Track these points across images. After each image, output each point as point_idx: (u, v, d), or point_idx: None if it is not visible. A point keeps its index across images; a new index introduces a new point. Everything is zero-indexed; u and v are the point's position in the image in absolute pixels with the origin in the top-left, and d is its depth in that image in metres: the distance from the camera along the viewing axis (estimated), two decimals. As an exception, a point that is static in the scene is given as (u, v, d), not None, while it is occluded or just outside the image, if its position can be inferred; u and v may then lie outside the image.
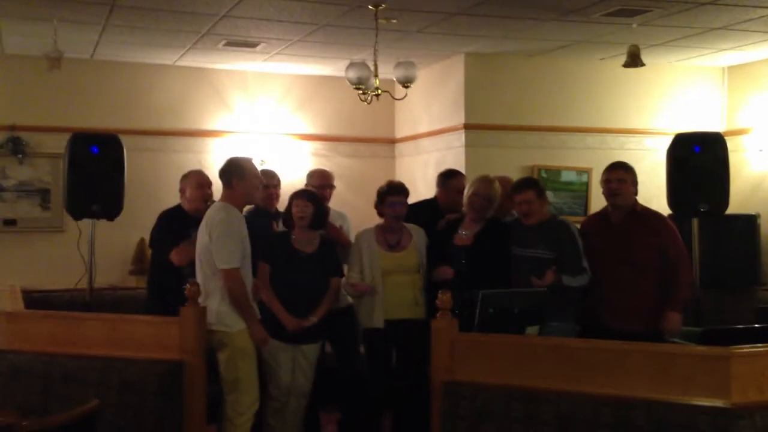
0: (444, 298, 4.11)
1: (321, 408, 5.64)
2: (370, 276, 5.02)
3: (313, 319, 4.92)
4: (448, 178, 5.65)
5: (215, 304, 4.54)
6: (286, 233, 5.01)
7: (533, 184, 5.09)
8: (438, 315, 4.13)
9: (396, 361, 5.07)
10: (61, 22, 6.09)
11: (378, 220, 5.29)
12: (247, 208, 5.13)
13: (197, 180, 5.33)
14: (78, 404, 3.65)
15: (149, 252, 5.86)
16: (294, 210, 4.94)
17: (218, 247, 4.53)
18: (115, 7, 5.85)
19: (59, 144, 6.17)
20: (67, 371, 4.40)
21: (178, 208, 5.39)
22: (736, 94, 7.95)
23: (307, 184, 5.61)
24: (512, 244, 4.93)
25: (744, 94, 7.86)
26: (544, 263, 4.79)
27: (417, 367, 4.80)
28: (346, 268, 5.47)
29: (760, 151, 7.55)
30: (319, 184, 5.54)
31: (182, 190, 5.39)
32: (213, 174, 7.37)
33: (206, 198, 5.23)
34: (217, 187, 5.45)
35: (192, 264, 4.95)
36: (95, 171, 5.71)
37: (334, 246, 5.15)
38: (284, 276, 4.87)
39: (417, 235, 5.14)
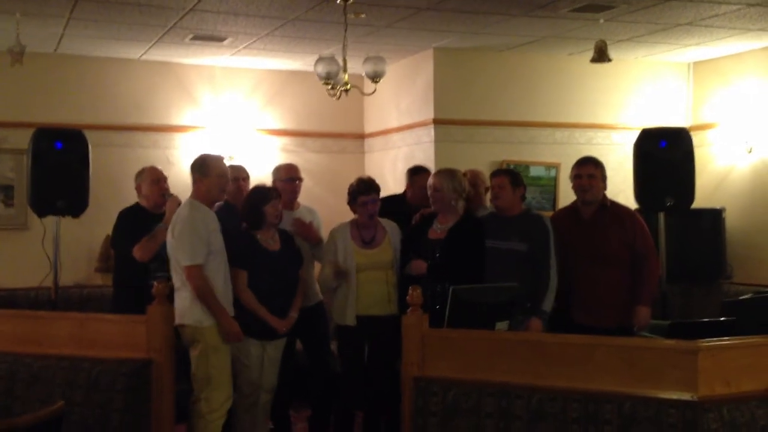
0: (414, 294, 4.11)
1: (291, 406, 5.63)
2: (345, 272, 5.00)
3: (295, 315, 4.94)
4: (413, 175, 5.67)
5: (186, 300, 4.53)
6: (249, 234, 4.90)
7: (509, 172, 5.17)
8: (408, 311, 4.13)
9: (368, 357, 5.05)
10: (24, 16, 5.98)
11: (347, 215, 5.27)
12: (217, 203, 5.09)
13: (151, 176, 5.35)
14: (44, 405, 3.60)
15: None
16: (271, 210, 4.87)
17: (179, 244, 4.55)
18: (79, 1, 5.76)
19: (22, 139, 6.06)
20: (32, 371, 4.34)
21: (136, 206, 5.38)
22: (702, 90, 8.04)
23: (274, 180, 5.57)
24: (487, 237, 4.94)
25: (709, 89, 7.95)
26: (517, 256, 4.81)
27: (389, 364, 4.79)
28: (316, 263, 5.46)
29: (725, 145, 7.64)
30: (287, 178, 5.50)
31: (138, 188, 5.40)
32: (180, 169, 7.36)
33: (162, 192, 5.23)
34: (183, 182, 5.45)
35: (155, 259, 4.96)
36: (59, 167, 5.64)
37: (291, 236, 5.12)
38: (261, 278, 4.83)
39: (391, 230, 5.13)
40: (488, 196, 5.34)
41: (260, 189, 5.01)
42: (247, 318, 4.76)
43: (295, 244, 5.10)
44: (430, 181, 5.04)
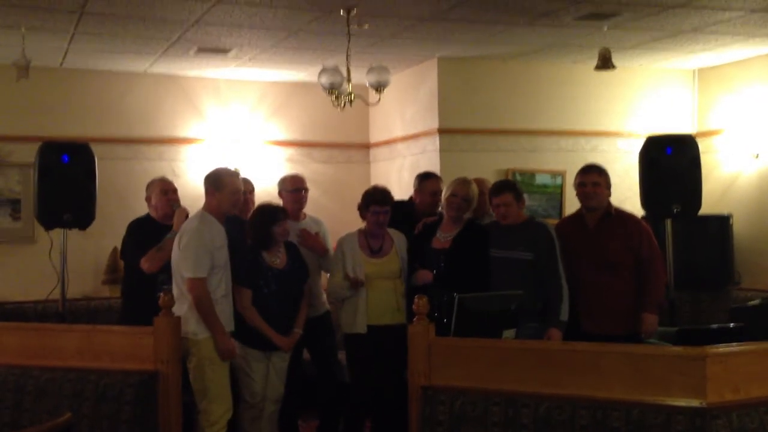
0: (420, 302, 4.10)
1: (300, 416, 5.63)
2: (361, 282, 5.00)
3: (299, 331, 4.95)
4: (423, 180, 5.67)
5: (184, 312, 4.53)
6: (255, 252, 4.90)
7: (511, 186, 5.10)
8: (415, 320, 4.12)
9: (377, 366, 5.04)
10: (29, 30, 6.01)
11: (353, 225, 5.27)
12: None
13: (160, 187, 5.37)
14: (51, 417, 3.60)
15: (122, 261, 5.81)
16: (280, 230, 4.88)
17: (184, 255, 4.56)
18: (84, 15, 5.78)
19: (29, 153, 6.10)
20: (40, 384, 4.34)
21: (146, 217, 5.40)
22: (707, 96, 8.03)
23: (279, 191, 5.58)
24: (491, 246, 4.94)
25: (714, 95, 7.94)
26: (522, 265, 4.81)
27: (398, 373, 4.77)
28: (323, 274, 5.46)
29: (732, 151, 7.62)
30: (293, 188, 5.51)
31: (148, 199, 5.41)
32: (186, 181, 7.39)
33: (171, 203, 5.24)
34: (189, 194, 5.47)
35: (164, 271, 4.96)
36: (66, 180, 5.67)
37: (297, 249, 5.12)
38: (266, 296, 4.83)
39: (398, 240, 5.13)
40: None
41: (268, 209, 4.98)
42: (251, 330, 4.75)
43: (301, 258, 5.09)
44: (460, 190, 5.02)
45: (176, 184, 5.55)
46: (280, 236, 4.90)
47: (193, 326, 4.53)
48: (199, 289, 4.50)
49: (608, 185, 5.09)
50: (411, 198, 5.74)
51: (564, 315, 4.76)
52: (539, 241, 4.87)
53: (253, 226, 4.93)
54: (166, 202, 5.29)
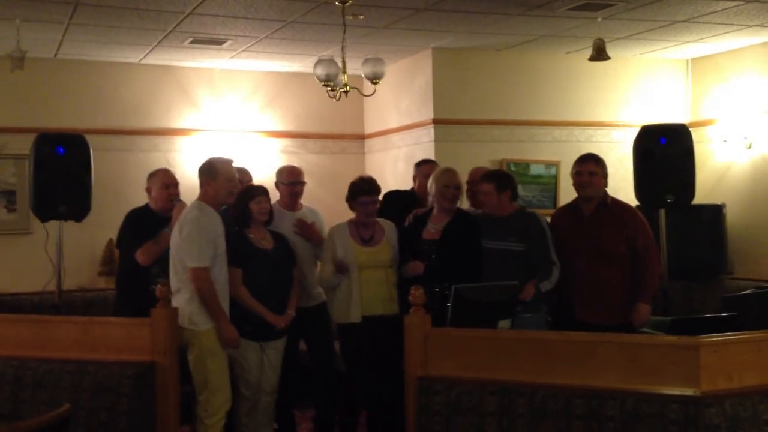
0: (417, 293, 4.12)
1: (296, 406, 5.65)
2: (346, 266, 5.01)
3: (292, 313, 4.95)
4: (420, 165, 5.75)
5: (184, 302, 4.54)
6: (241, 233, 4.92)
7: (494, 177, 5.08)
8: (411, 310, 4.14)
9: (371, 356, 5.06)
10: (24, 22, 6.00)
11: (348, 216, 5.28)
12: None
13: (163, 180, 5.33)
14: (49, 409, 3.62)
15: (117, 251, 5.82)
16: (256, 207, 4.90)
17: (187, 245, 4.54)
18: (79, 6, 5.77)
19: (24, 145, 6.09)
20: (37, 375, 4.35)
21: (145, 208, 5.39)
22: (701, 86, 8.05)
23: (276, 182, 5.60)
24: (483, 237, 4.95)
25: (708, 85, 7.97)
26: (514, 255, 4.83)
27: (392, 363, 4.80)
28: (320, 264, 5.48)
29: (725, 141, 7.66)
30: (290, 181, 5.52)
31: (148, 190, 5.39)
32: (181, 172, 7.39)
33: (171, 197, 5.23)
34: (184, 185, 5.47)
35: (158, 263, 4.95)
36: (61, 172, 5.66)
37: (285, 238, 5.14)
38: (255, 276, 4.84)
39: (389, 229, 5.13)
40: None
41: (246, 187, 5.04)
42: (243, 320, 4.76)
43: (289, 246, 5.11)
44: (452, 179, 5.03)
45: (172, 176, 5.54)
46: (259, 214, 4.91)
47: (193, 317, 4.53)
48: (203, 279, 4.50)
49: (605, 175, 5.10)
50: (412, 188, 5.78)
51: (544, 288, 4.78)
52: (530, 232, 4.88)
53: (233, 206, 4.94)
54: (167, 196, 5.25)
